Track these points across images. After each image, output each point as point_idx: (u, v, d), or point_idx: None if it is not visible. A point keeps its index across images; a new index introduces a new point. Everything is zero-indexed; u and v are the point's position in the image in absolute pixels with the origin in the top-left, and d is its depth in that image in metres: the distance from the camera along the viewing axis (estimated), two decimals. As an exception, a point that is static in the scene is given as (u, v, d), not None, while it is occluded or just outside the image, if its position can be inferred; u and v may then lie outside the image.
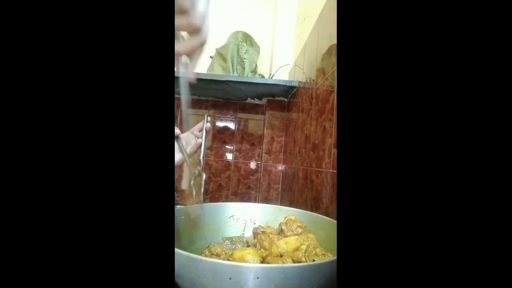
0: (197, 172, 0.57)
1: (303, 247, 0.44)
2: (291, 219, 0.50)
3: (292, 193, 1.06)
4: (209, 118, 0.64)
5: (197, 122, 0.65)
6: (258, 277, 0.28)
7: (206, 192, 0.55)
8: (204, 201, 0.56)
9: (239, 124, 1.50)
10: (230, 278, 0.28)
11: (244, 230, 0.57)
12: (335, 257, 0.31)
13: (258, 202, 0.59)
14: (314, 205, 0.76)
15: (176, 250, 0.30)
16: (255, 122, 1.50)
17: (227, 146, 1.48)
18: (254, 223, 0.57)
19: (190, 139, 0.63)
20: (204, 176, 0.57)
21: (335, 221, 0.48)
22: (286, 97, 1.39)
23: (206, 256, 0.42)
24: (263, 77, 1.34)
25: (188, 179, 0.55)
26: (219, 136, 1.48)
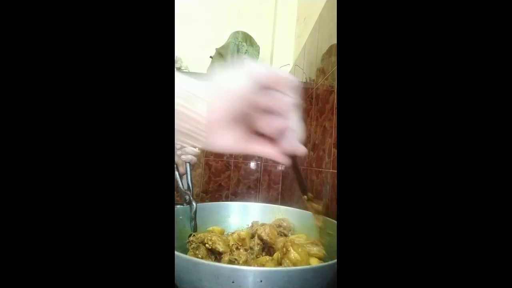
0: (187, 198, 0.52)
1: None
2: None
3: (292, 193, 1.06)
4: (196, 149, 0.57)
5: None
6: (261, 281, 0.28)
7: (195, 227, 0.52)
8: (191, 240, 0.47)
9: (239, 124, 1.49)
10: (233, 282, 0.28)
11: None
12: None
13: (258, 202, 0.58)
14: (314, 205, 0.75)
15: (177, 253, 0.30)
16: (255, 122, 1.50)
17: (227, 146, 1.48)
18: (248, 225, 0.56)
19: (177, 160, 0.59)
20: (194, 207, 0.52)
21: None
22: (286, 97, 1.38)
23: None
24: (263, 77, 1.34)
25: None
26: (219, 136, 1.48)
